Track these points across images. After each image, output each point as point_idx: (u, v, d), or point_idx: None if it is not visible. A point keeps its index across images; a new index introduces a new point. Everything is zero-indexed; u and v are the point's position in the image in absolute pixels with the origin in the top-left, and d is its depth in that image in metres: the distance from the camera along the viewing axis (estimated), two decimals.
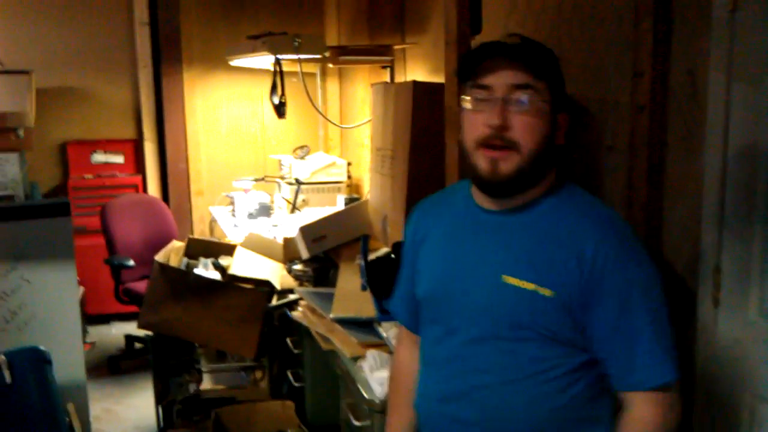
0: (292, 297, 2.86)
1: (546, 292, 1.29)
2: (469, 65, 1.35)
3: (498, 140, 1.30)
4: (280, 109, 4.05)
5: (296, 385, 2.81)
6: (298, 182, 4.32)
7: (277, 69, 3.72)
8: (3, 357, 2.89)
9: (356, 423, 2.06)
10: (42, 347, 3.05)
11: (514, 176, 1.31)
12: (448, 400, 1.42)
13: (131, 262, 4.28)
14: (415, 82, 2.71)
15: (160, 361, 3.23)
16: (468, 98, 1.35)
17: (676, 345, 1.31)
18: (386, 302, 2.36)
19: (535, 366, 1.33)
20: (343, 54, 3.94)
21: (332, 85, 5.25)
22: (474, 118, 1.34)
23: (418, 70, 3.70)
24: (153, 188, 5.32)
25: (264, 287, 2.98)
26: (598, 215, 1.35)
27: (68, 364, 3.23)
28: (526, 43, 1.35)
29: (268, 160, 5.23)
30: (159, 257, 3.28)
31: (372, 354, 2.12)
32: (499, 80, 1.30)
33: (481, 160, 1.32)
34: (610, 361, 1.32)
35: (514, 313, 1.32)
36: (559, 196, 1.37)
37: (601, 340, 1.31)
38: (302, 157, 4.57)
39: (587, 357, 1.33)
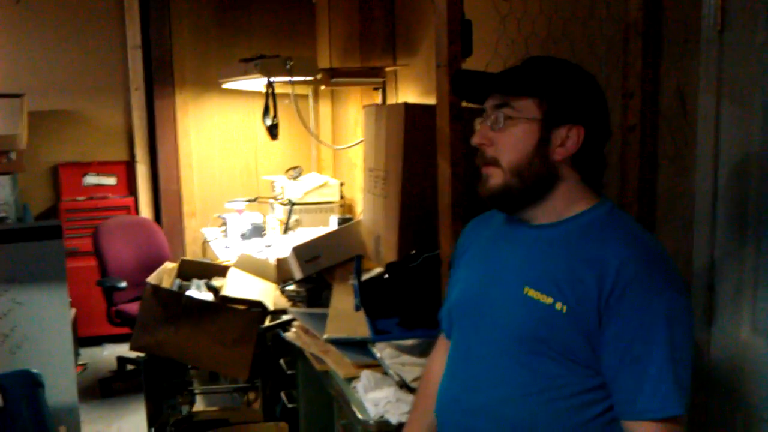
0: (285, 318, 2.86)
1: (562, 307, 1.28)
2: (456, 92, 1.48)
3: (481, 158, 1.39)
4: (272, 131, 4.06)
5: (290, 406, 2.80)
6: (291, 203, 4.32)
7: (270, 91, 3.74)
8: None
9: None
10: (34, 370, 3.03)
11: (500, 191, 1.37)
12: (465, 411, 1.41)
13: (123, 284, 4.27)
14: (406, 104, 2.72)
15: (152, 383, 3.21)
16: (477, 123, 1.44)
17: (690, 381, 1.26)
18: (380, 322, 2.37)
19: (550, 382, 1.31)
20: (335, 76, 3.97)
21: (324, 106, 5.28)
22: None
23: (409, 92, 3.72)
24: (145, 210, 5.31)
25: (257, 308, 2.98)
26: (630, 236, 1.32)
27: (60, 386, 3.21)
28: (526, 64, 1.41)
29: (261, 181, 5.24)
30: (151, 279, 3.27)
31: (366, 374, 2.12)
32: (487, 103, 1.41)
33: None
34: (617, 385, 1.27)
35: (531, 326, 1.32)
36: (595, 213, 1.36)
37: (612, 363, 1.27)
38: (295, 178, 4.58)
39: (602, 380, 1.30)
